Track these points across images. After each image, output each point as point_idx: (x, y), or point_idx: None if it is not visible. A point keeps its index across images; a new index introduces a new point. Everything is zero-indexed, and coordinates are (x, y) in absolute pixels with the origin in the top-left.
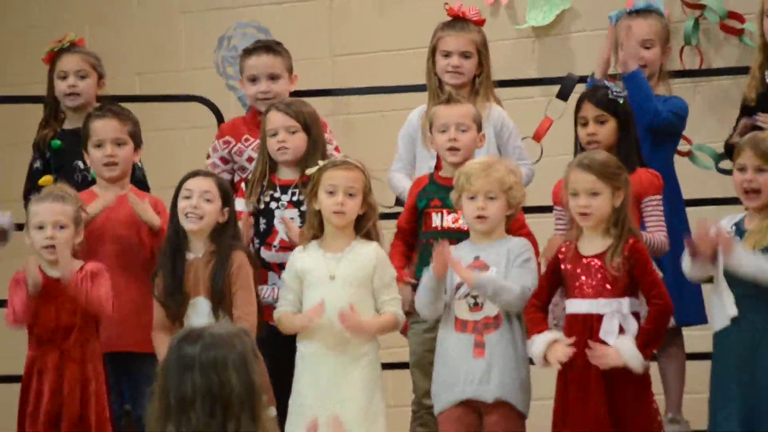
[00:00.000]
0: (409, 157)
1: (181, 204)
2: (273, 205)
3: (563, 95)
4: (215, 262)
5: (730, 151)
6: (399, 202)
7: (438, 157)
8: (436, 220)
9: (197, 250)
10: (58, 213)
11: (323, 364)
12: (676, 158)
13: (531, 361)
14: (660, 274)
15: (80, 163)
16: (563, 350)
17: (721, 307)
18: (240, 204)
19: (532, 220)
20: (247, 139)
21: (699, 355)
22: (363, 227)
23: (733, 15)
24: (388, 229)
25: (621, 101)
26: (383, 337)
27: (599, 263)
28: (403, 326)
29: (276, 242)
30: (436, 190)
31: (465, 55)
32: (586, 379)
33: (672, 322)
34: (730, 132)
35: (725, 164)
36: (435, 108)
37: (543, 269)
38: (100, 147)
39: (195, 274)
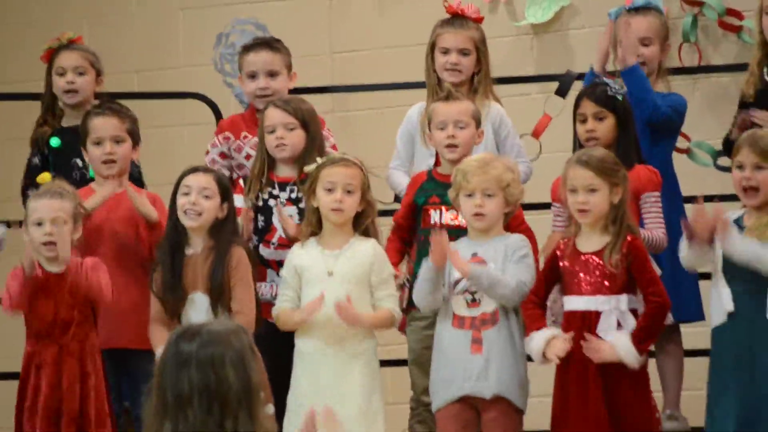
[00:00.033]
0: (407, 155)
1: (180, 200)
2: (272, 202)
3: (562, 92)
4: (214, 257)
5: (729, 147)
6: (398, 199)
7: (437, 154)
8: (434, 217)
9: (196, 246)
10: (56, 209)
11: (322, 362)
12: (675, 155)
13: (529, 358)
14: (658, 271)
15: (79, 161)
16: (561, 345)
17: (719, 302)
18: (239, 201)
19: (530, 217)
20: (245, 137)
21: (697, 352)
22: (361, 224)
23: (731, 12)
24: (387, 226)
25: (620, 98)
26: (381, 334)
27: (597, 260)
28: (401, 323)
29: (274, 239)
30: (434, 187)
31: (463, 52)
32: (585, 376)
33: (670, 318)
34: (729, 128)
35: (724, 161)
36: (434, 105)
37: (542, 266)
38: (99, 145)
39: (193, 269)
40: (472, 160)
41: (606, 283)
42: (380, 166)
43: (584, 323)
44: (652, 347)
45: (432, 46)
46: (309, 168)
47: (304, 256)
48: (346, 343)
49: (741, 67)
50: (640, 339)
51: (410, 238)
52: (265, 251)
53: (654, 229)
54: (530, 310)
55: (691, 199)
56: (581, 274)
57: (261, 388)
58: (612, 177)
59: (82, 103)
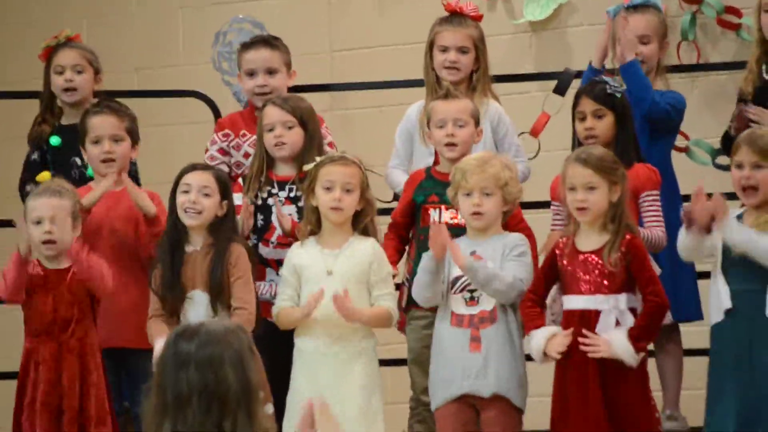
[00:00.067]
0: (406, 153)
1: (180, 199)
2: (270, 201)
3: (560, 90)
4: (213, 255)
5: (727, 143)
6: (397, 197)
7: (436, 153)
8: (434, 216)
9: (196, 243)
10: (55, 208)
11: (321, 361)
12: (674, 154)
13: (528, 357)
14: (658, 270)
15: (78, 160)
16: (561, 340)
17: (718, 300)
18: (238, 199)
19: (529, 216)
20: (244, 135)
21: (696, 352)
22: (360, 223)
23: (730, 9)
24: (386, 225)
25: (619, 96)
26: (381, 333)
27: (596, 259)
28: (400, 323)
29: (273, 238)
30: (433, 186)
31: (462, 50)
32: (584, 375)
33: (669, 318)
34: (729, 124)
35: (722, 160)
36: (433, 103)
37: (541, 265)
38: (98, 143)
39: (193, 266)
40: (471, 158)
41: (605, 282)
42: (379, 165)
43: (583, 322)
44: (651, 347)
45: (431, 44)
46: (308, 167)
47: (303, 255)
48: (346, 342)
49: (740, 65)
50: (637, 337)
51: (407, 235)
52: (264, 250)
53: (653, 228)
54: (529, 308)
55: (690, 198)
56: (580, 273)
57: (260, 387)
58: (611, 175)
59: (81, 102)
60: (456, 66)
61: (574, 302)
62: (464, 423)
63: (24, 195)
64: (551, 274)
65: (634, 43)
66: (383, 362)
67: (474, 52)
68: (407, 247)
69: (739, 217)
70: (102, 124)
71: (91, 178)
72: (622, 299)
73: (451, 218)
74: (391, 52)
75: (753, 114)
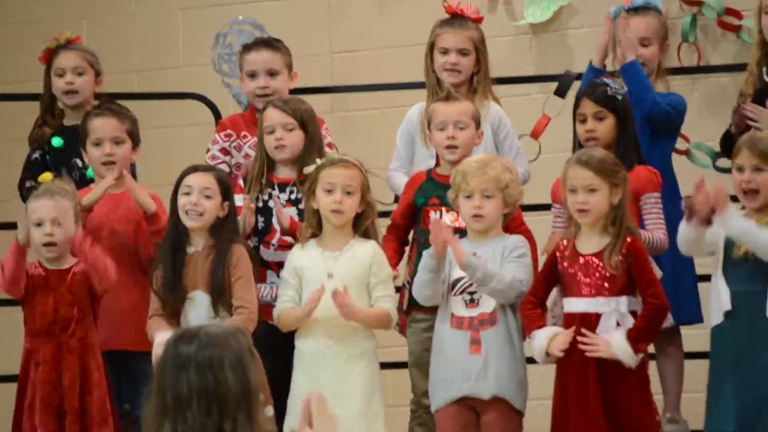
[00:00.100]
0: (407, 155)
1: (181, 200)
2: (271, 203)
3: (561, 92)
4: (215, 256)
5: (727, 142)
6: (398, 199)
7: (437, 154)
8: (434, 218)
9: (197, 244)
10: (56, 209)
11: (322, 362)
12: (674, 156)
13: (529, 360)
14: (659, 272)
15: (78, 161)
16: (563, 338)
17: (718, 301)
18: (239, 200)
19: (530, 218)
20: (245, 136)
21: (697, 355)
22: (361, 225)
23: (730, 11)
24: (386, 227)
25: (620, 98)
26: (382, 336)
27: (597, 262)
28: (401, 325)
29: (274, 240)
30: (434, 188)
31: (463, 52)
32: (584, 375)
33: (670, 321)
34: (729, 123)
35: (723, 163)
36: (434, 105)
37: (542, 267)
38: (99, 146)
39: (194, 267)
40: (471, 161)
41: (606, 284)
42: (380, 167)
43: (584, 325)
44: (652, 350)
45: (431, 46)
46: (308, 169)
47: (304, 258)
48: (347, 343)
49: (740, 67)
50: (636, 338)
51: (406, 237)
52: (265, 252)
53: (654, 231)
54: (529, 310)
55: None
56: (581, 276)
57: (260, 390)
58: (612, 177)
59: (81, 104)
60: (456, 68)
61: (575, 305)
62: (464, 425)
63: (23, 192)
64: (551, 276)
65: (635, 43)
66: (384, 365)
67: (474, 54)
68: (407, 250)
69: None
70: (103, 126)
71: (92, 180)
72: (622, 302)
73: (452, 221)
74: (392, 53)
75: (750, 112)
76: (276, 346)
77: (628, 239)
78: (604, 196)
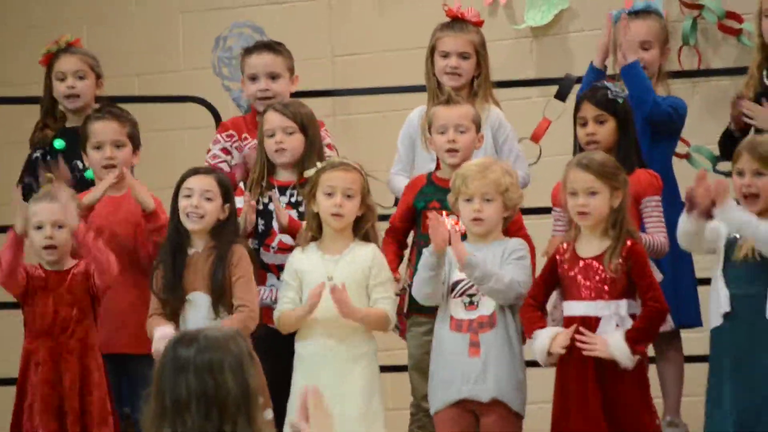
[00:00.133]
0: (409, 159)
1: (182, 203)
2: (271, 206)
3: (561, 96)
4: (215, 257)
5: (726, 141)
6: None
7: (437, 158)
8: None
9: (197, 246)
10: (56, 213)
11: (322, 366)
12: (674, 160)
13: (528, 363)
14: (659, 276)
15: (79, 163)
16: (564, 336)
17: (717, 303)
18: (239, 202)
19: (530, 222)
20: (245, 138)
21: (697, 358)
22: (361, 229)
23: (731, 15)
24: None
25: (620, 101)
26: (382, 339)
27: (597, 265)
28: (401, 329)
29: (274, 243)
30: (434, 192)
31: (463, 56)
32: (584, 378)
33: (671, 324)
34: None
35: (723, 166)
36: (434, 109)
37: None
38: (99, 149)
39: (194, 268)
40: (472, 164)
41: (606, 288)
42: (382, 170)
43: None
44: (652, 353)
45: (432, 50)
46: (309, 173)
47: (304, 261)
48: (347, 345)
49: (741, 71)
50: (634, 339)
51: (406, 241)
52: (265, 255)
53: (655, 234)
54: (529, 312)
55: None
56: (581, 279)
57: (259, 393)
58: (612, 180)
59: (83, 108)
60: (457, 72)
61: (575, 308)
62: (463, 428)
63: (23, 187)
64: (551, 279)
65: (635, 44)
66: (384, 368)
67: (475, 57)
68: (407, 253)
69: None
70: (104, 129)
71: (91, 181)
72: (622, 305)
73: (452, 224)
74: (393, 57)
75: (746, 109)
76: (275, 348)
77: (629, 242)
78: (605, 199)
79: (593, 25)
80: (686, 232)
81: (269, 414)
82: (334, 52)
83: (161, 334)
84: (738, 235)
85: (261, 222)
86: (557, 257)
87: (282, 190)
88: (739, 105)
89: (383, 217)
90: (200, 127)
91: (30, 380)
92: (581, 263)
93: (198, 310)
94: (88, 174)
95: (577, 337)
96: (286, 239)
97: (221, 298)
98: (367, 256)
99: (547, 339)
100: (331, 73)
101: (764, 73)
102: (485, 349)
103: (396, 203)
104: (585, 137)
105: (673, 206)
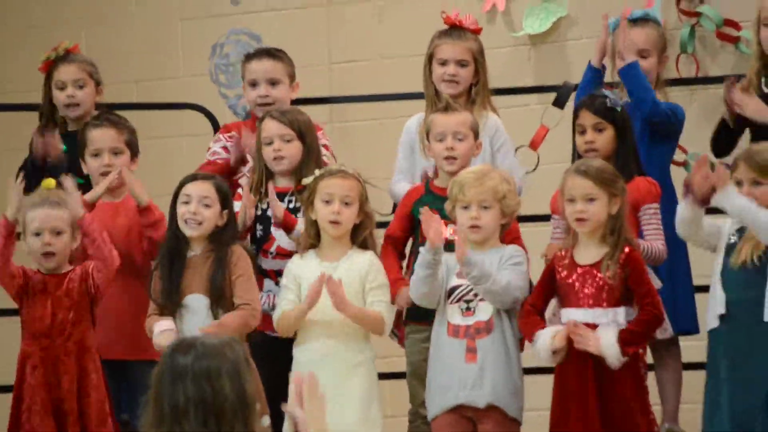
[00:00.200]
0: (409, 166)
1: (180, 209)
2: (270, 212)
3: (560, 103)
4: (214, 259)
5: (718, 138)
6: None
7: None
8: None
9: (196, 249)
10: (54, 219)
11: (320, 369)
12: (672, 167)
13: (526, 370)
14: (658, 283)
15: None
16: (564, 332)
17: (714, 306)
18: (238, 207)
19: (528, 229)
20: None
21: (695, 365)
22: (359, 236)
23: (729, 22)
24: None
25: (619, 109)
26: (380, 346)
27: (595, 272)
28: (400, 336)
29: (272, 249)
30: (432, 201)
31: (461, 63)
32: (584, 382)
33: (670, 332)
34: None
35: None
36: (432, 116)
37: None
38: (98, 156)
39: (193, 270)
40: (469, 172)
41: (604, 295)
42: (379, 177)
43: None
44: (651, 360)
45: (430, 57)
46: (307, 180)
47: (302, 268)
48: (345, 352)
49: (739, 78)
50: (626, 341)
51: (404, 250)
52: (263, 261)
53: (653, 241)
54: (528, 317)
55: None
56: (579, 287)
57: (256, 399)
58: (611, 187)
59: (83, 116)
60: (455, 79)
61: (573, 315)
62: None
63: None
64: (550, 286)
65: (634, 45)
66: (382, 375)
67: (473, 65)
68: (405, 262)
69: (740, 231)
70: (102, 137)
71: (81, 185)
72: (620, 312)
73: (452, 234)
74: (391, 64)
75: (738, 98)
76: (273, 355)
77: (626, 249)
78: (603, 205)
79: (591, 33)
80: (683, 219)
81: (267, 420)
82: (332, 59)
83: (161, 327)
84: (737, 239)
85: (259, 227)
86: (555, 264)
87: (280, 196)
88: (731, 92)
89: (381, 224)
90: (198, 135)
91: (27, 382)
92: (579, 270)
93: (196, 313)
94: (79, 180)
95: (572, 329)
96: (284, 244)
97: (220, 300)
98: (365, 263)
99: (549, 338)
100: (329, 80)
101: (762, 80)
102: (482, 355)
103: (393, 210)
104: (583, 145)
105: (670, 212)
